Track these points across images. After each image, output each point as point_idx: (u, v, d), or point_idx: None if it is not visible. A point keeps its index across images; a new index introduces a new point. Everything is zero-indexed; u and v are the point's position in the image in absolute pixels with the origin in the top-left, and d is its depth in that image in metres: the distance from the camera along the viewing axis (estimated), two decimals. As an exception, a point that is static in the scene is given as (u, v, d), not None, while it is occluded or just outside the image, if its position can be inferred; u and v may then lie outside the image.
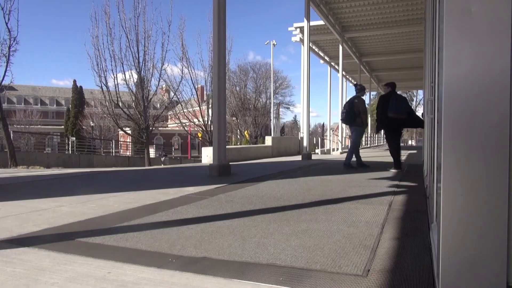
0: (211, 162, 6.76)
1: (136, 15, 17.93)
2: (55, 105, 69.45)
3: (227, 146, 7.52)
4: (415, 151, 15.99)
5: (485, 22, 1.30)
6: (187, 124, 25.01)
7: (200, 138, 23.58)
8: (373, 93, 30.38)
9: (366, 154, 12.75)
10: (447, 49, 1.36)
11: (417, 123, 6.74)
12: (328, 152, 17.09)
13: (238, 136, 36.72)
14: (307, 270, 1.90)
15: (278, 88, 44.97)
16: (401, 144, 7.35)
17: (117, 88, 18.04)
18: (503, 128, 1.29)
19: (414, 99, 47.93)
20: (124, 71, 18.02)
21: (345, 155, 8.60)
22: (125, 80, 18.19)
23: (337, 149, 17.46)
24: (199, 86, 21.88)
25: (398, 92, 6.99)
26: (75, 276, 1.84)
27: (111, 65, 17.68)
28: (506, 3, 1.27)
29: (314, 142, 20.71)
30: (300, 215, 3.16)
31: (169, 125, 48.17)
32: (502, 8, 1.28)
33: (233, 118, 36.85)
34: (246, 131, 34.26)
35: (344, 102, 10.69)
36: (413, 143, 54.37)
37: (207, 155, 10.70)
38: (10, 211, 3.41)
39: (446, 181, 1.37)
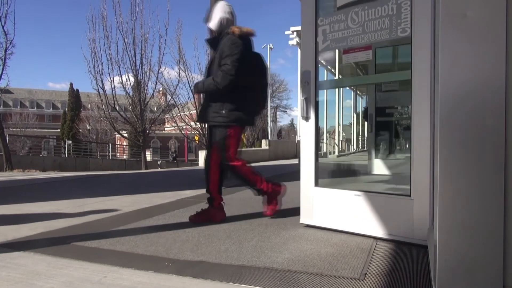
0: (208, 166, 6.72)
1: (133, 18, 17.91)
2: (51, 108, 69.09)
3: (224, 149, 7.48)
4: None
5: (480, 26, 1.31)
6: (184, 127, 24.97)
7: (197, 142, 23.54)
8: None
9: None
10: (442, 52, 1.37)
11: None
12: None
13: (235, 139, 36.58)
14: (304, 274, 1.90)
15: (275, 91, 45.00)
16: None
17: (113, 91, 17.99)
18: (498, 130, 1.30)
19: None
20: (121, 74, 17.97)
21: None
22: (122, 83, 18.15)
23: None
24: (196, 89, 21.82)
25: None
26: (71, 280, 1.82)
27: (108, 68, 17.62)
28: (501, 8, 1.29)
29: (311, 145, 20.74)
30: (298, 219, 3.16)
31: (166, 128, 48.06)
32: (497, 12, 1.29)
33: (230, 121, 36.73)
34: (243, 134, 34.21)
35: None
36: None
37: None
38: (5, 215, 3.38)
39: (442, 183, 1.38)
